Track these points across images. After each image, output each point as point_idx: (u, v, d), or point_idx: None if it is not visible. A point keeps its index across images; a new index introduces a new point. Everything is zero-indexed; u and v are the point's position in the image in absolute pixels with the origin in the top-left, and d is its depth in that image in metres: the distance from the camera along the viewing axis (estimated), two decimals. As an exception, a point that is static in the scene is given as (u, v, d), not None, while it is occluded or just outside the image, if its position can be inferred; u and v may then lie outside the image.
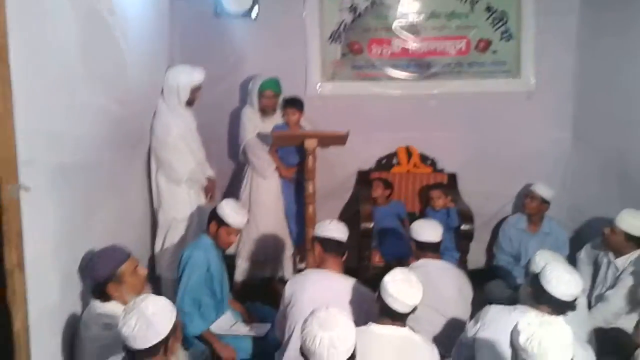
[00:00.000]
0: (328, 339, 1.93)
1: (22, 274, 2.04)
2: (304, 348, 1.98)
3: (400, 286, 2.44)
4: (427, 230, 3.32)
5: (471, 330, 2.70)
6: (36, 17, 2.16)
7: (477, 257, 4.62)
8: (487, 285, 4.14)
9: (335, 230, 2.96)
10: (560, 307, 2.52)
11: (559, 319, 2.00)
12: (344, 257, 3.02)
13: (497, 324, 2.58)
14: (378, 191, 4.52)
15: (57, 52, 2.34)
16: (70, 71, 2.46)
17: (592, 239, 3.94)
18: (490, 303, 2.74)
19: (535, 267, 2.83)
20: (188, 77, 3.65)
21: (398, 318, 2.47)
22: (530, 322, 1.99)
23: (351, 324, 2.03)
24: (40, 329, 2.18)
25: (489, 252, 4.74)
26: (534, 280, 2.63)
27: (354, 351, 1.99)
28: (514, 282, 4.17)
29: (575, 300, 2.56)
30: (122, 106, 3.05)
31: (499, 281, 4.21)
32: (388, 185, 4.58)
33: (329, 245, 2.96)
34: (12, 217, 2.00)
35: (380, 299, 2.48)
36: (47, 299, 2.29)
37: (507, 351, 2.44)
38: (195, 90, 3.71)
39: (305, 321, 2.02)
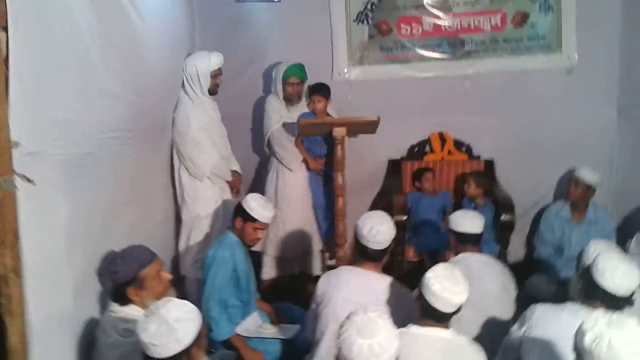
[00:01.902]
0: (368, 347, 1.72)
1: (20, 279, 1.80)
2: (340, 356, 1.78)
3: (445, 283, 2.23)
4: (468, 221, 3.10)
5: (517, 331, 2.49)
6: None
7: (516, 249, 4.40)
8: (529, 280, 3.90)
9: (376, 241, 2.68)
10: (615, 302, 2.26)
11: (632, 319, 1.76)
12: (384, 261, 2.81)
13: (546, 324, 2.37)
14: (427, 183, 4.31)
15: (69, 31, 2.16)
16: (84, 54, 2.28)
17: (642, 226, 3.69)
18: (534, 299, 2.52)
19: (588, 258, 2.60)
20: (206, 61, 3.48)
21: (441, 319, 2.26)
22: (597, 321, 1.76)
23: (393, 329, 1.82)
24: (46, 338, 1.99)
25: (529, 244, 4.49)
26: (586, 273, 2.39)
27: (397, 359, 1.79)
28: (558, 275, 3.93)
29: (633, 294, 2.31)
30: (141, 96, 2.90)
31: (541, 275, 3.97)
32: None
33: (368, 253, 2.73)
34: (7, 214, 1.75)
35: (422, 298, 2.27)
36: (56, 304, 2.11)
37: (558, 353, 2.24)
38: (215, 76, 3.54)
39: (342, 326, 1.81)
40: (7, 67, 1.78)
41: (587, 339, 1.74)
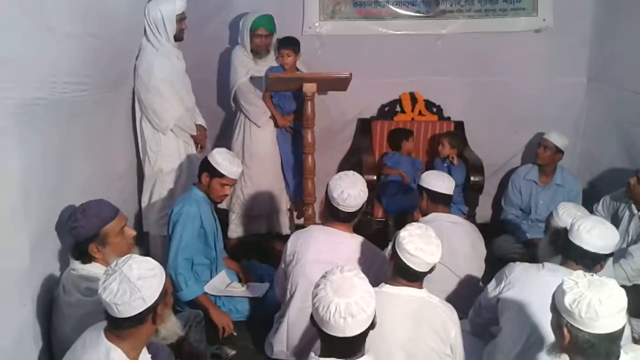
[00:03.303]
0: (345, 306, 1.66)
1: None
2: (316, 316, 1.72)
3: (419, 242, 2.18)
4: (443, 182, 3.08)
5: (493, 290, 2.48)
6: None
7: (484, 210, 4.40)
8: (496, 240, 3.93)
9: (347, 205, 2.62)
10: (593, 262, 2.28)
11: (611, 280, 1.75)
12: (355, 221, 2.75)
13: (524, 283, 2.37)
14: (409, 146, 4.27)
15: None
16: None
17: (607, 189, 3.76)
18: (500, 259, 2.50)
19: (560, 221, 2.61)
20: (171, 4, 3.28)
21: (415, 278, 2.23)
22: (577, 282, 1.74)
23: (370, 287, 1.76)
24: (1, 296, 1.87)
25: (496, 205, 4.50)
26: (560, 234, 2.39)
27: (374, 319, 1.73)
28: (524, 236, 3.98)
29: (611, 254, 2.33)
30: (100, 40, 2.69)
31: (507, 236, 4.01)
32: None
33: (339, 215, 2.67)
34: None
35: (395, 257, 2.22)
36: (12, 261, 1.97)
37: (536, 312, 2.25)
38: (180, 20, 3.34)
39: (317, 285, 1.75)
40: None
41: (567, 300, 1.72)
